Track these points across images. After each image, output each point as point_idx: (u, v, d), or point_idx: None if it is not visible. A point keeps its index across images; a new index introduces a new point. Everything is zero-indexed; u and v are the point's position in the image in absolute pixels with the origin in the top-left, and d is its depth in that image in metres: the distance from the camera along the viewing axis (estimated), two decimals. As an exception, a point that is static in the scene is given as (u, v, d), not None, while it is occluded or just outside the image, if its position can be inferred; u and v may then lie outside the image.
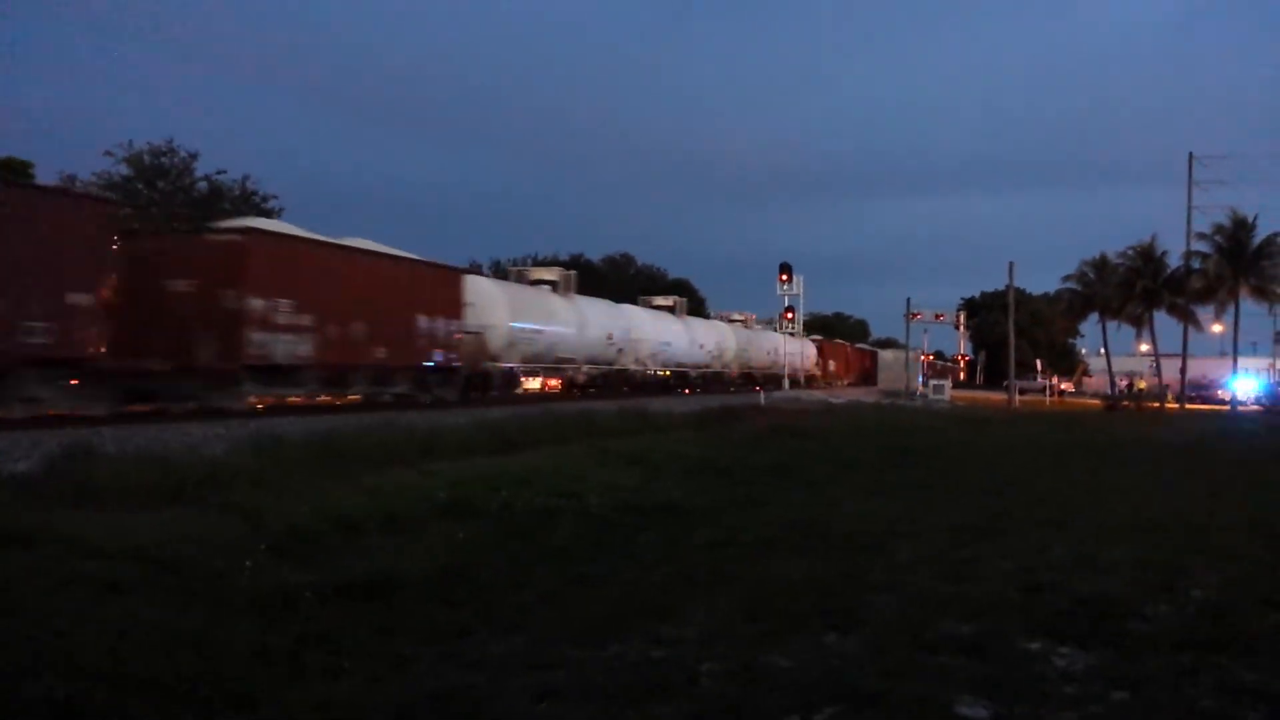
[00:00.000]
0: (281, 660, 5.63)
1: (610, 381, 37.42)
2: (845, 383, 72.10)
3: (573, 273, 37.51)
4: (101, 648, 5.38)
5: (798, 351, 59.12)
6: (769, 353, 54.09)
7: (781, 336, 54.99)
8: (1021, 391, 60.31)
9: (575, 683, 5.47)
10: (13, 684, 4.86)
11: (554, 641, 6.26)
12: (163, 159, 43.84)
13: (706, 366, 47.29)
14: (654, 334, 41.38)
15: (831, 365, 70.15)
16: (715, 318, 56.49)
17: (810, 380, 61.23)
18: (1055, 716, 5.16)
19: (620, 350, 37.77)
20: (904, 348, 67.41)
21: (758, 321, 61.55)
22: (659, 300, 47.34)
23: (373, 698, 5.17)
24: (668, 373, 43.56)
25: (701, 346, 46.54)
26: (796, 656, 6.05)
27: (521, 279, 35.49)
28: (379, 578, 7.35)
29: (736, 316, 55.84)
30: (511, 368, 30.47)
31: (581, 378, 36.03)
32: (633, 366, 39.20)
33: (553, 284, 34.93)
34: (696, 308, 64.76)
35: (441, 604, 7.03)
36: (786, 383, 52.17)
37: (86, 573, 6.90)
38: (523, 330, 30.39)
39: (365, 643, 6.01)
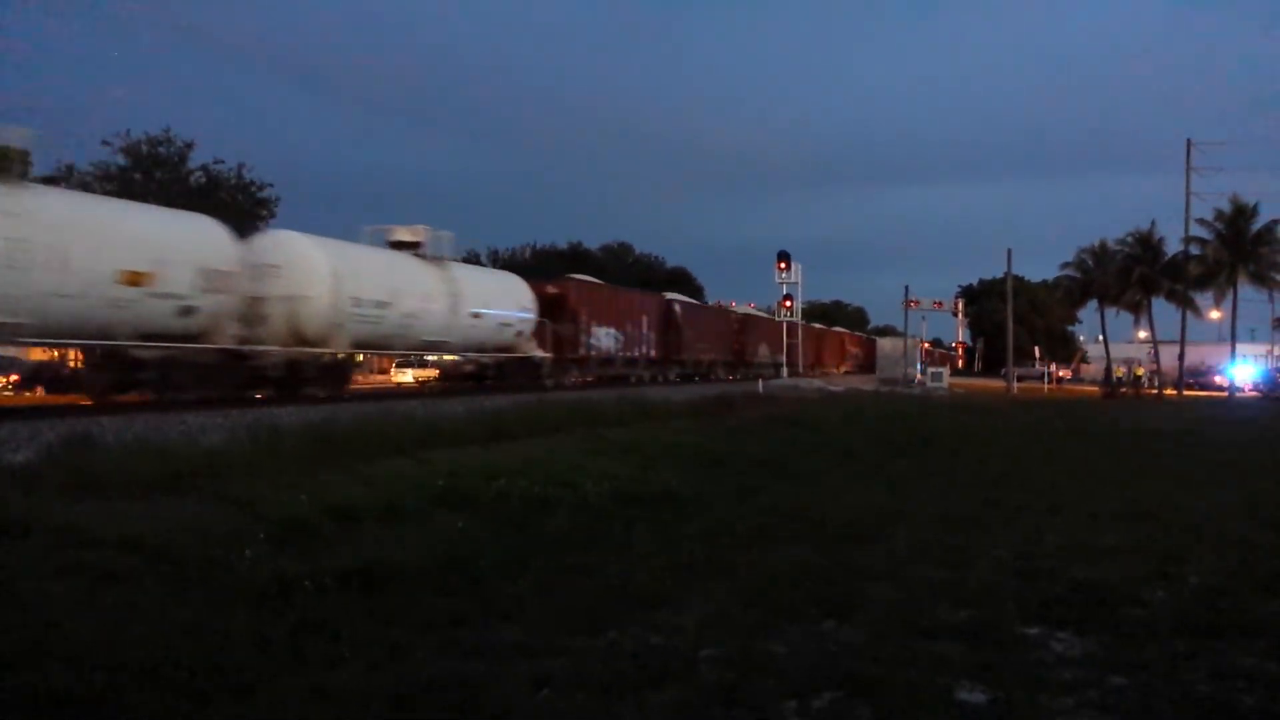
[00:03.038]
0: (280, 649, 5.63)
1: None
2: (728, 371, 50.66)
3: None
4: (99, 636, 5.39)
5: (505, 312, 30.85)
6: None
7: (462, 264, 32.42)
8: (1020, 379, 60.46)
9: (573, 670, 5.47)
10: (10, 672, 4.86)
11: (551, 629, 6.26)
12: (160, 148, 43.73)
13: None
14: None
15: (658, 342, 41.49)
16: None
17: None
18: (1052, 701, 5.18)
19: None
20: (902, 336, 67.33)
21: (758, 309, 61.27)
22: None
23: (371, 686, 5.18)
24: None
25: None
26: (794, 643, 6.07)
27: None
28: (376, 567, 7.34)
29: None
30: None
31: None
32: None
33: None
34: (695, 295, 64.41)
35: (439, 592, 7.03)
36: (785, 370, 52.03)
37: (84, 562, 6.91)
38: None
39: (363, 631, 6.01)
